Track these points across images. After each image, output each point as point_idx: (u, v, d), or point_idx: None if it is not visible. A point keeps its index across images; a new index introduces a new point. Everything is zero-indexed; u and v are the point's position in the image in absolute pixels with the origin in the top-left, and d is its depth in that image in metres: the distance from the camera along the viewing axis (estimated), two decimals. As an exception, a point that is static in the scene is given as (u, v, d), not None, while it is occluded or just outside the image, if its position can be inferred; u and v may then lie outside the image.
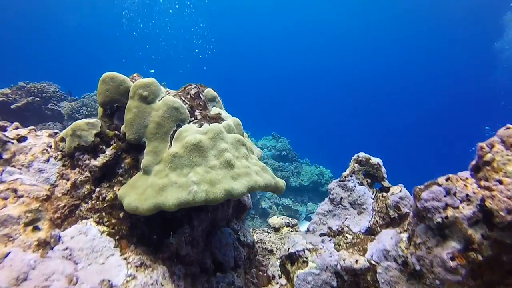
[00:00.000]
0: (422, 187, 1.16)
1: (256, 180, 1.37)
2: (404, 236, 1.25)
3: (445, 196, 1.05)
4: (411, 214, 1.27)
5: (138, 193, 1.27)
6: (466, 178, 1.06)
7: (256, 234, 2.87)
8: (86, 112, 8.48)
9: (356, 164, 1.82)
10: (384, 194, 1.73)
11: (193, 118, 1.50)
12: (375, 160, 1.79)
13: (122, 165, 1.43)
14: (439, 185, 1.08)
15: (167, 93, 1.68)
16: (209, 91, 1.84)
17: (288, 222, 3.12)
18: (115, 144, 1.44)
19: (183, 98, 1.54)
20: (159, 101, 1.45)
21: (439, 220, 1.03)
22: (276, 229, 3.11)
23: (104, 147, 1.41)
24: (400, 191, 1.67)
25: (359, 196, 1.74)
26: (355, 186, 1.77)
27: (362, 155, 1.83)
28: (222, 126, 1.47)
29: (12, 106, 7.22)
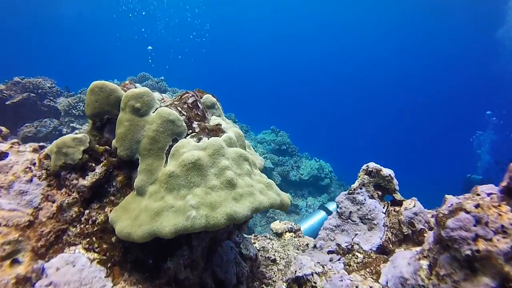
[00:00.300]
0: (446, 212, 1.04)
1: (261, 200, 1.25)
2: (424, 263, 1.14)
3: (474, 226, 0.93)
4: (431, 238, 1.15)
5: (131, 218, 1.15)
6: (499, 205, 0.94)
7: (258, 241, 2.77)
8: (83, 108, 8.31)
9: (366, 176, 1.70)
10: (397, 208, 1.62)
11: (190, 131, 1.37)
12: (386, 171, 1.67)
13: (114, 184, 1.31)
14: (467, 212, 0.97)
15: (162, 102, 1.55)
16: (208, 98, 1.71)
17: (291, 227, 3.02)
18: (105, 161, 1.31)
19: (180, 109, 1.41)
20: (153, 113, 1.31)
21: (469, 252, 0.92)
22: (279, 235, 3.00)
23: (93, 165, 1.28)
24: (414, 206, 1.56)
25: (370, 211, 1.62)
26: (365, 200, 1.65)
27: (372, 165, 1.71)
28: (223, 139, 1.35)
29: (7, 103, 7.07)
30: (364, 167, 1.76)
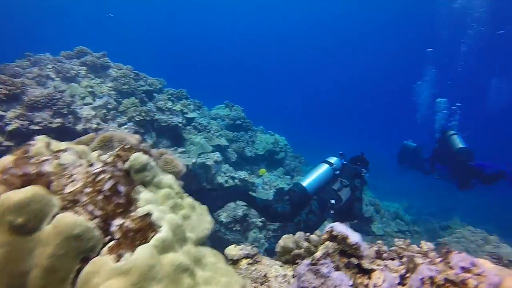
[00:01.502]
0: None
1: (207, 334, 0.96)
2: None
3: None
4: None
5: None
6: None
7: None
8: (7, 92, 7.05)
9: (330, 243, 1.49)
10: (365, 282, 1.45)
11: (109, 238, 1.01)
12: (353, 238, 1.48)
13: (-5, 329, 0.92)
14: None
15: (71, 183, 1.14)
16: (137, 159, 1.31)
17: (247, 254, 2.80)
18: (-22, 299, 0.91)
19: (92, 208, 1.02)
20: (47, 225, 0.92)
21: None
22: (234, 262, 2.79)
23: (-44, 312, 0.88)
24: (384, 281, 1.40)
25: (336, 286, 1.43)
26: (329, 273, 1.45)
27: (337, 230, 1.50)
28: (154, 247, 1.01)
29: None
30: (328, 228, 1.55)
